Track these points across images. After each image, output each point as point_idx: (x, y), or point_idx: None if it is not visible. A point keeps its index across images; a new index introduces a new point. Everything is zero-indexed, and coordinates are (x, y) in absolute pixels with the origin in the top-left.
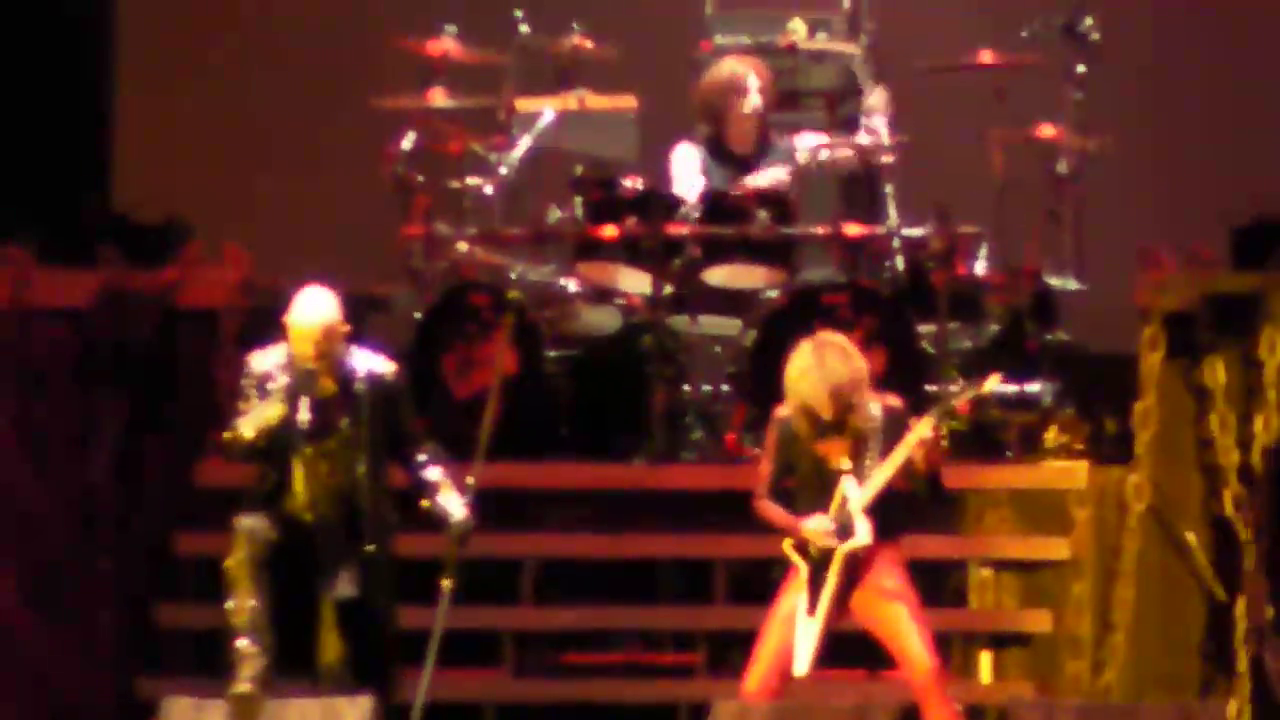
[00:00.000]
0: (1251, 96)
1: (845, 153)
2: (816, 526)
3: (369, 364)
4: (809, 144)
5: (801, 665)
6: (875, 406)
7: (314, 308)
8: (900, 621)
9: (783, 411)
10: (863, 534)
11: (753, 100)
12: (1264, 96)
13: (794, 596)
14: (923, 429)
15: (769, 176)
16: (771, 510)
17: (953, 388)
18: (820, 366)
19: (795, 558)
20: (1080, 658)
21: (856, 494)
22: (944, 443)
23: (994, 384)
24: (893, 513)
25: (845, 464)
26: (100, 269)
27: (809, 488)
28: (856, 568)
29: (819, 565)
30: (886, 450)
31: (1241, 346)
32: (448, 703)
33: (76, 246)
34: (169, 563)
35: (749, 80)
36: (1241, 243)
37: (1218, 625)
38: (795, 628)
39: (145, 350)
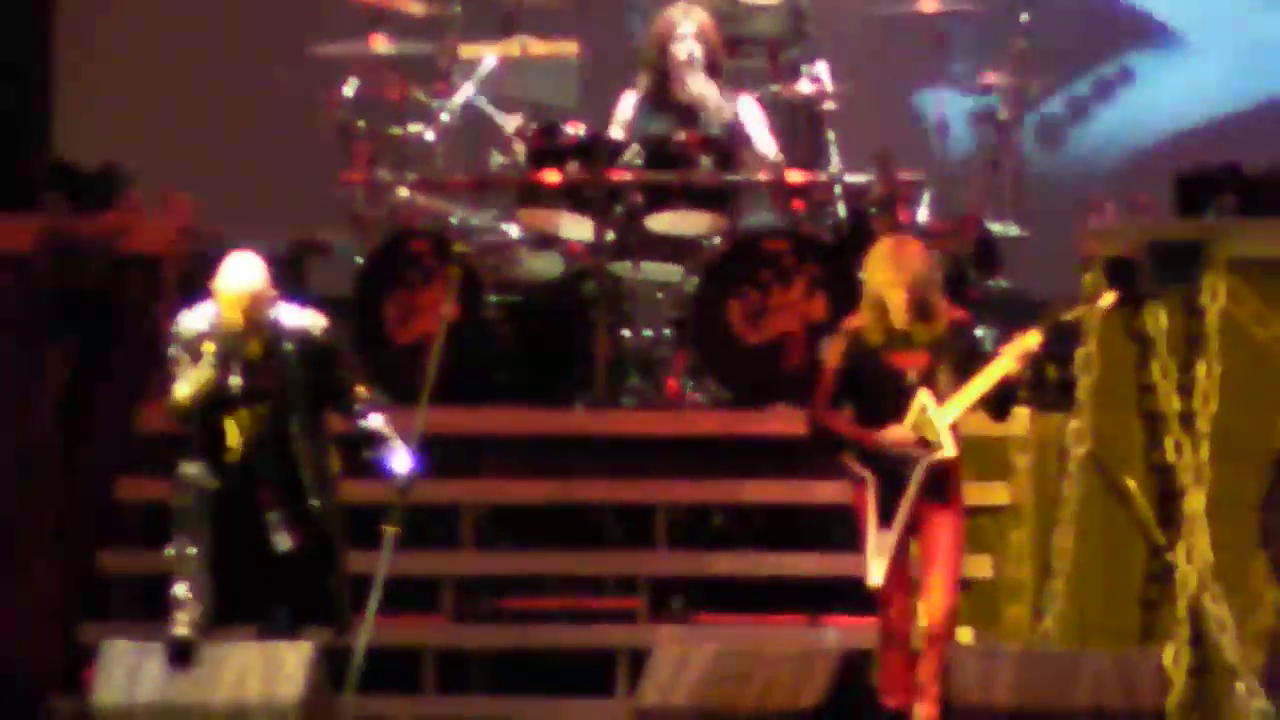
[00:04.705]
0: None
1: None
2: (899, 437)
3: (296, 320)
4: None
5: (876, 577)
6: (946, 318)
7: (241, 275)
8: (940, 566)
9: (853, 322)
10: (949, 446)
11: (688, 46)
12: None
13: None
14: (1029, 340)
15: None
16: (835, 421)
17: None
18: (898, 259)
19: (859, 469)
20: (1020, 604)
21: (942, 406)
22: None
23: (1109, 300)
24: (957, 433)
25: (918, 376)
26: (44, 215)
27: (876, 401)
28: (935, 481)
29: (892, 476)
30: (958, 363)
31: (1183, 294)
32: (387, 647)
33: (18, 193)
34: (112, 509)
35: (681, 27)
36: (1184, 192)
37: (1157, 572)
38: (867, 538)
39: (89, 297)
